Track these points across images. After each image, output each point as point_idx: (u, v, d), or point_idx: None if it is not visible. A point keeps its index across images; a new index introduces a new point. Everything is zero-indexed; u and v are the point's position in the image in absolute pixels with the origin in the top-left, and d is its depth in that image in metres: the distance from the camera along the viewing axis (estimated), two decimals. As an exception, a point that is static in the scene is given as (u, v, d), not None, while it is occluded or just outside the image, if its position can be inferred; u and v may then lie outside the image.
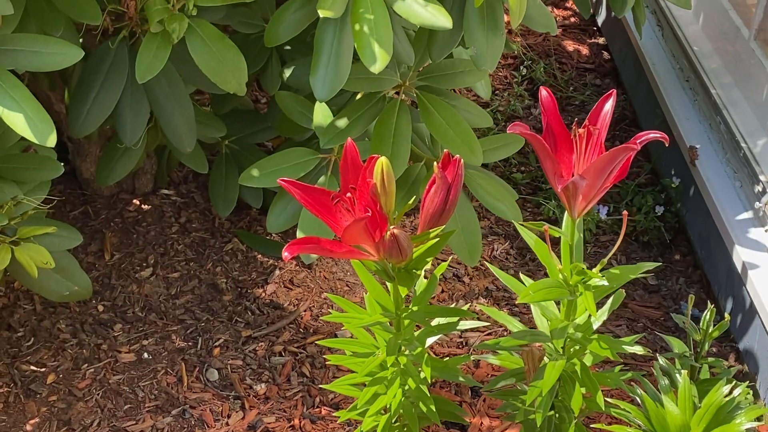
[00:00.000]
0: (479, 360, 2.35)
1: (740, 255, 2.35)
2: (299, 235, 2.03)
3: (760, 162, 2.51)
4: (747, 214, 2.48)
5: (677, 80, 3.02)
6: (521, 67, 3.61)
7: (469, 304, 2.61)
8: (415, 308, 1.61)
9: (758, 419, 2.25)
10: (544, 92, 1.49)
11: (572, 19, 4.07)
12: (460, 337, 2.49)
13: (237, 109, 2.62)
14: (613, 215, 2.90)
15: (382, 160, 1.41)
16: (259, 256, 2.63)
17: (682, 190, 2.82)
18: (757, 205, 2.45)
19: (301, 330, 2.45)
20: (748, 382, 2.31)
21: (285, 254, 1.40)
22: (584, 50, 3.85)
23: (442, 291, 2.64)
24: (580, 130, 1.45)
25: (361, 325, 1.60)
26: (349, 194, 1.45)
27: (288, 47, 2.37)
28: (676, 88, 2.98)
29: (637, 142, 1.42)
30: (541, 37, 3.91)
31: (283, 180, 1.46)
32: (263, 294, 2.53)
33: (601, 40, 3.89)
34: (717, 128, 2.74)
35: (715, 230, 2.53)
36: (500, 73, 3.69)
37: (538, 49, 3.81)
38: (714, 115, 2.77)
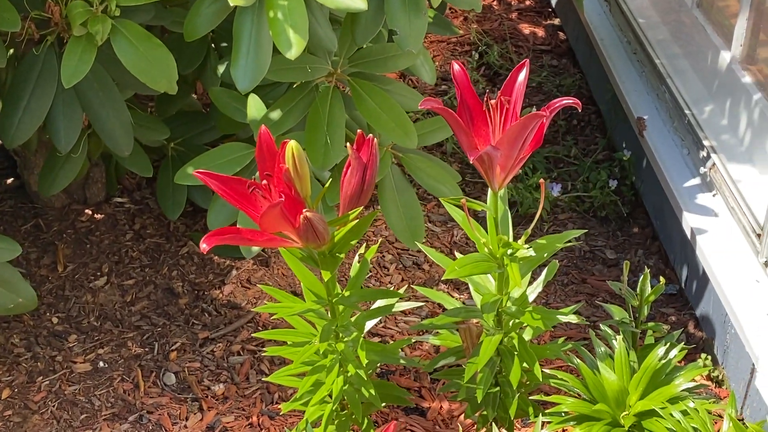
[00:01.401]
0: (438, 345, 2.34)
1: (689, 221, 2.35)
2: (239, 230, 2.02)
3: (704, 128, 2.50)
4: (695, 181, 2.48)
5: (625, 54, 3.02)
6: (474, 53, 3.60)
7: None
8: (347, 293, 1.60)
9: (718, 383, 2.24)
10: (456, 66, 1.48)
11: (527, 2, 4.06)
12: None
13: (183, 111, 2.61)
14: (570, 193, 2.89)
15: (292, 144, 1.40)
16: (216, 257, 2.62)
17: (635, 162, 2.82)
18: (702, 170, 2.45)
19: (259, 328, 2.44)
20: (704, 348, 2.31)
21: (203, 246, 1.39)
22: (540, 32, 3.84)
23: (402, 279, 2.63)
24: (492, 102, 1.44)
25: (292, 314, 1.58)
26: (264, 181, 1.44)
27: (224, 43, 2.36)
28: (624, 62, 2.98)
29: (549, 109, 1.41)
30: (497, 21, 3.90)
31: (198, 172, 1.45)
32: (220, 295, 2.52)
33: (557, 21, 3.89)
34: (663, 98, 2.74)
35: (667, 199, 2.52)
36: (457, 59, 3.68)
37: (494, 33, 3.80)
38: (660, 85, 2.76)
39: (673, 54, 2.83)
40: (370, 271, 2.63)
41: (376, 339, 2.41)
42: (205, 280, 2.55)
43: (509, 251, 1.51)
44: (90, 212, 2.71)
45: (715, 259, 2.23)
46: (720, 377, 2.24)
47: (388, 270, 2.65)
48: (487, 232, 1.57)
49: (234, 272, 2.58)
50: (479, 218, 1.60)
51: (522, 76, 1.49)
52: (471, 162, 1.41)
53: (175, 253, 2.62)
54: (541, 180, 1.44)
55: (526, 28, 3.85)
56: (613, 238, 2.78)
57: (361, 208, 1.47)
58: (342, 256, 1.50)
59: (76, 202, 2.72)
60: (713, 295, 2.26)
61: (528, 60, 1.50)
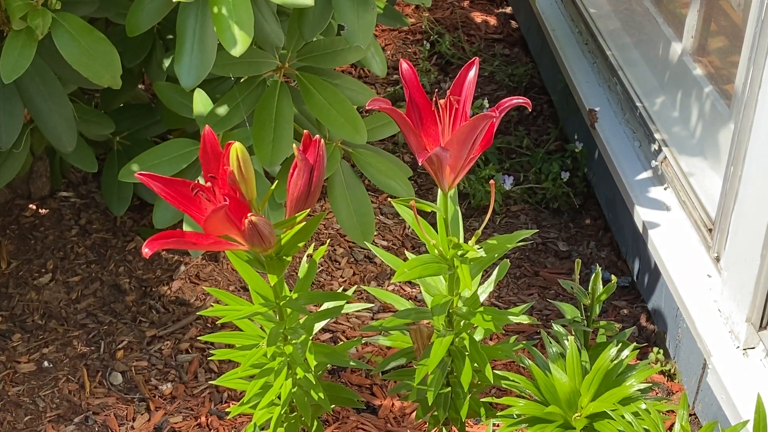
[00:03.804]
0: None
1: (641, 215, 2.34)
2: (185, 228, 1.98)
3: (655, 120, 2.50)
4: (646, 174, 2.47)
5: (576, 44, 3.00)
6: (426, 42, 3.57)
7: (380, 285, 2.57)
8: (294, 295, 1.57)
9: (670, 377, 2.24)
10: (404, 65, 1.45)
11: (479, -10, 4.03)
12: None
13: (129, 104, 2.56)
14: (522, 184, 2.88)
15: (237, 146, 1.36)
16: (164, 252, 2.57)
17: (587, 154, 2.81)
18: (653, 163, 2.44)
19: (208, 325, 2.40)
20: (656, 341, 2.31)
21: (145, 250, 1.35)
22: (492, 21, 3.82)
23: (354, 273, 2.60)
24: (442, 101, 1.41)
25: (239, 317, 1.55)
26: (209, 183, 1.40)
27: (171, 36, 2.31)
28: (576, 53, 2.97)
29: (498, 109, 1.39)
30: (449, 10, 3.88)
31: (141, 174, 1.41)
32: (168, 291, 2.47)
33: (509, 10, 3.87)
34: (615, 90, 2.73)
35: (619, 192, 2.51)
36: (409, 49, 3.66)
37: (446, 22, 3.77)
38: (611, 76, 2.76)
39: (625, 45, 2.82)
40: (321, 265, 2.60)
41: (327, 335, 2.38)
42: (152, 276, 2.51)
43: (460, 252, 1.48)
44: (34, 207, 2.65)
45: (667, 253, 2.23)
46: (672, 371, 2.24)
47: (340, 264, 2.63)
48: (437, 231, 1.55)
49: (182, 268, 2.53)
50: (430, 215, 1.57)
51: (471, 74, 1.47)
52: (420, 164, 1.38)
53: (122, 249, 2.57)
54: (491, 181, 1.41)
55: (478, 17, 3.83)
56: (565, 229, 2.77)
57: (308, 210, 1.44)
58: (289, 259, 1.46)
59: (19, 196, 2.66)
60: (665, 288, 2.26)
61: (477, 59, 1.48)
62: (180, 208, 1.43)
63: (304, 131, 1.42)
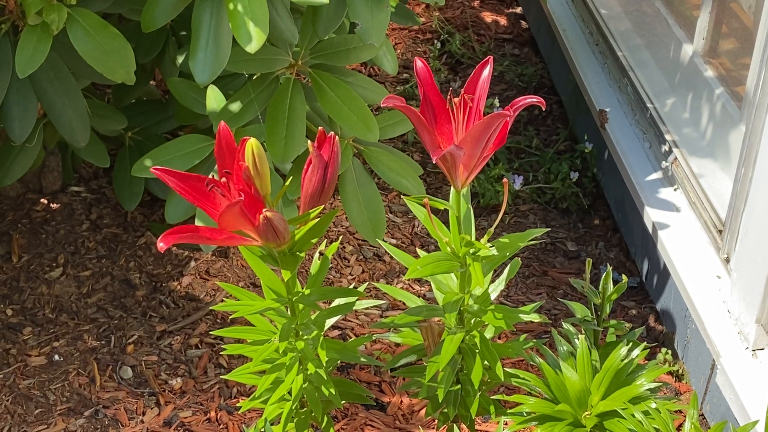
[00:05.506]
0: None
1: (650, 216, 2.35)
2: (197, 223, 1.99)
3: (666, 121, 2.50)
4: (656, 175, 2.48)
5: (587, 45, 3.01)
6: (436, 41, 3.58)
7: (389, 283, 2.58)
8: (307, 291, 1.57)
9: (678, 378, 2.25)
10: (419, 63, 1.46)
11: (489, -10, 4.04)
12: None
13: (141, 99, 2.57)
14: (531, 184, 2.88)
15: (252, 142, 1.37)
16: (174, 248, 2.58)
17: (597, 154, 2.81)
18: (664, 164, 2.45)
19: (218, 321, 2.41)
20: (664, 342, 2.31)
21: (160, 245, 1.36)
22: (502, 21, 3.82)
23: (363, 271, 2.61)
24: (456, 100, 1.42)
25: (251, 312, 1.56)
26: (224, 179, 1.41)
27: (184, 32, 2.32)
28: (586, 53, 2.97)
29: (512, 108, 1.39)
30: (459, 9, 3.88)
31: (156, 168, 1.42)
32: (178, 287, 2.48)
33: (519, 10, 3.87)
34: (625, 90, 2.73)
35: (628, 192, 2.52)
36: (419, 48, 3.66)
37: (456, 21, 3.78)
38: (622, 77, 2.76)
39: (636, 46, 2.83)
40: (331, 263, 2.60)
41: (336, 332, 2.39)
42: (162, 272, 2.52)
43: (472, 250, 1.49)
44: (46, 201, 2.67)
45: (676, 253, 2.23)
46: (680, 372, 2.24)
47: (349, 261, 2.63)
48: (449, 229, 1.55)
49: (192, 263, 2.54)
50: (441, 212, 1.58)
51: (486, 73, 1.47)
52: (434, 162, 1.39)
53: (133, 244, 2.58)
54: (504, 180, 1.42)
55: (488, 17, 3.84)
56: (574, 230, 2.77)
57: (322, 206, 1.45)
58: (302, 254, 1.47)
59: (31, 191, 2.67)
60: (674, 289, 2.26)
61: (491, 57, 1.48)
62: (194, 203, 1.44)
63: (319, 128, 1.43)
